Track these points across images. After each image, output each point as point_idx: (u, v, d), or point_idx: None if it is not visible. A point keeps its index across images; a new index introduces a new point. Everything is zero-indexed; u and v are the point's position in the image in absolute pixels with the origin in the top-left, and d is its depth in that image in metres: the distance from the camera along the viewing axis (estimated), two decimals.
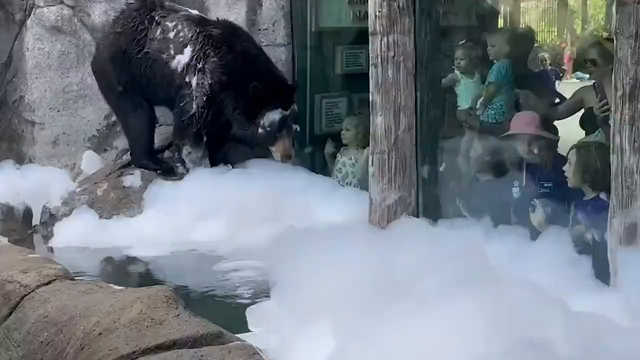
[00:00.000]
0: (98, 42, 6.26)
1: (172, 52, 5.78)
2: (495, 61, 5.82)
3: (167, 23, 5.84)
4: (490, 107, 5.68)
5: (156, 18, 5.87)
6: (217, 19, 6.03)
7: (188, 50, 5.75)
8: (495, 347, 2.56)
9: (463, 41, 6.17)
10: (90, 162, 6.56)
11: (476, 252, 3.32)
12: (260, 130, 5.66)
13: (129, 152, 6.47)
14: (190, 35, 5.76)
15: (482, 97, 5.72)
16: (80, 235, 5.48)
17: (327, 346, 2.89)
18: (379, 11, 4.79)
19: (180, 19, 5.84)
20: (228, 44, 5.73)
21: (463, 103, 5.93)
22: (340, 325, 2.96)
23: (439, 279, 2.94)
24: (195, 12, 6.04)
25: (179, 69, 5.75)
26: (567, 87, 7.14)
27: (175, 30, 5.80)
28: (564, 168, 4.48)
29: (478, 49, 6.00)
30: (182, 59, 5.76)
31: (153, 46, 5.82)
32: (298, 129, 5.88)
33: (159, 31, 5.83)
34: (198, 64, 5.70)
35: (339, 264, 3.29)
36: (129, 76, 5.91)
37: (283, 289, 3.45)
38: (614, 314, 3.11)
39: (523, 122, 5.06)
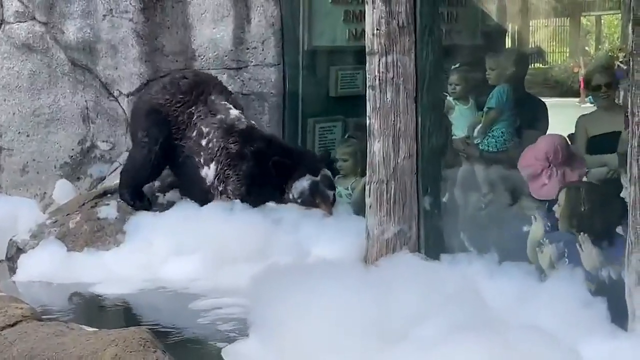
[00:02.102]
0: (144, 91, 6.30)
1: (202, 160, 5.93)
2: (494, 85, 5.85)
3: (202, 127, 5.95)
4: (490, 134, 5.71)
5: (194, 118, 5.98)
6: (247, 126, 5.98)
7: (212, 168, 5.91)
8: None
9: (457, 65, 6.19)
10: (62, 191, 6.54)
11: (479, 294, 3.30)
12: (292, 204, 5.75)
13: (104, 180, 6.48)
14: (215, 150, 5.92)
15: (481, 124, 5.74)
16: (45, 269, 5.43)
17: None
18: (377, 29, 4.83)
19: (214, 127, 5.93)
20: (242, 156, 5.86)
21: (458, 131, 5.94)
22: None
23: (438, 323, 2.91)
24: (235, 112, 6.02)
25: (207, 183, 5.91)
26: (582, 112, 7.26)
27: (207, 139, 5.94)
28: (553, 208, 4.52)
29: (474, 73, 6.05)
30: (209, 174, 5.92)
31: (189, 144, 5.96)
32: (336, 195, 5.89)
33: (195, 132, 5.96)
34: (219, 187, 5.88)
35: (327, 304, 3.26)
36: (161, 140, 5.94)
37: (263, 330, 3.42)
38: None
39: (550, 145, 5.06)
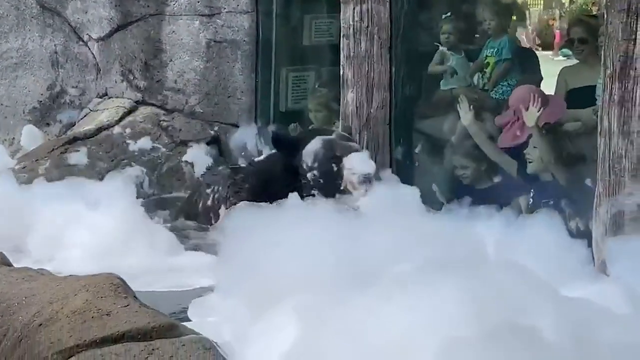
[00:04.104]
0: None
1: None
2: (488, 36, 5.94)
3: None
4: (505, 83, 5.80)
5: None
6: None
7: None
8: (476, 331, 2.57)
9: (448, 14, 6.17)
10: (30, 137, 6.48)
11: (457, 233, 3.33)
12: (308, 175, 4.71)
13: (74, 126, 6.42)
14: None
15: (495, 74, 5.80)
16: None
17: (289, 336, 2.85)
18: None
19: None
20: None
21: (460, 82, 5.96)
22: (303, 312, 2.92)
23: (416, 261, 2.93)
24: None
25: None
26: (555, 64, 7.31)
27: None
28: (525, 152, 4.58)
29: (463, 22, 6.07)
30: None
31: None
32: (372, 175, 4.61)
33: None
34: None
35: (302, 243, 3.25)
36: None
37: (235, 272, 3.39)
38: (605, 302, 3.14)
39: (514, 97, 5.12)
